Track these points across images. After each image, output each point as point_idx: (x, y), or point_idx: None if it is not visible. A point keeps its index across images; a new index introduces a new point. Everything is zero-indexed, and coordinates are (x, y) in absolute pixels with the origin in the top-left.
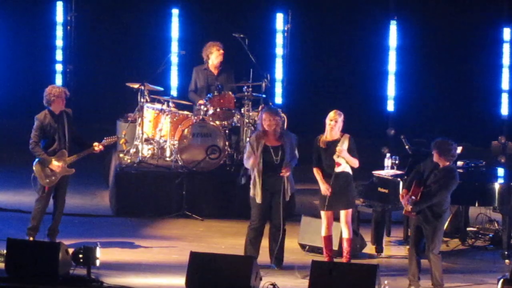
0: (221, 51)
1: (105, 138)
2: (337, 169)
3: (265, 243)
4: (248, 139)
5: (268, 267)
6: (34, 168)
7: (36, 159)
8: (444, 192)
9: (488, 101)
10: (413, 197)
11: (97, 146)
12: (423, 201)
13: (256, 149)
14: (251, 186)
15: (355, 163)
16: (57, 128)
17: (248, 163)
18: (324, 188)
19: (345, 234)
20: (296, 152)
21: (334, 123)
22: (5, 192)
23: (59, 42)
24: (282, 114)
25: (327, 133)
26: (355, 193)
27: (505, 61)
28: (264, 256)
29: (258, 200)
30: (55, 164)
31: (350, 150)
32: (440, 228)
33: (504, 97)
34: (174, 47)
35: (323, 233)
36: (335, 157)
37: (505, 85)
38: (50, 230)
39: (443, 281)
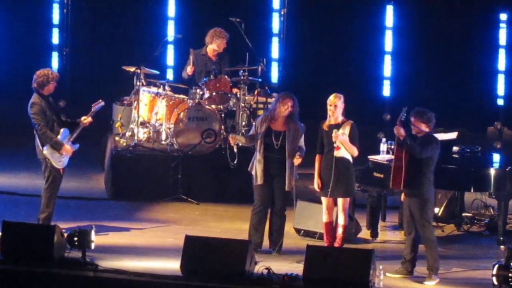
0: (222, 43)
1: (92, 105)
2: (337, 154)
3: (266, 228)
4: (254, 121)
5: (267, 252)
6: (45, 152)
7: (47, 144)
8: (425, 151)
9: (485, 87)
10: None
11: (86, 119)
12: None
13: (259, 130)
14: (251, 167)
15: (354, 151)
16: (51, 109)
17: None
18: (316, 184)
19: (341, 221)
20: (303, 143)
21: (333, 108)
22: (1, 174)
23: (55, 26)
24: None
25: (329, 117)
26: (355, 181)
27: (502, 42)
28: (266, 241)
29: (259, 182)
30: (67, 147)
31: (351, 137)
32: (427, 210)
33: (500, 90)
34: (171, 30)
35: (324, 219)
36: (334, 139)
37: (501, 86)
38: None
39: (438, 264)
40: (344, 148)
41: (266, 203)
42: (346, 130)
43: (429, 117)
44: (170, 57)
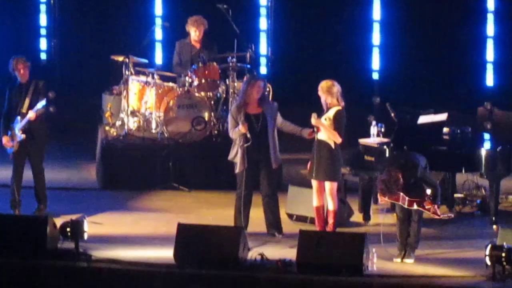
0: (198, 29)
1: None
2: (318, 136)
3: (258, 214)
4: (229, 110)
5: (266, 235)
6: None
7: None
8: (429, 178)
9: (474, 71)
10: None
11: (30, 113)
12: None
13: (238, 119)
14: (234, 155)
15: (335, 137)
16: (20, 96)
17: (235, 132)
18: (309, 165)
19: (330, 206)
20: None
21: (320, 94)
22: None
23: (43, 17)
24: (268, 84)
25: None
26: (341, 165)
27: (490, 31)
28: (254, 225)
29: (241, 168)
30: (3, 139)
31: (334, 123)
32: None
33: (489, 67)
34: (158, 19)
35: (314, 203)
36: (312, 122)
37: (489, 56)
38: (36, 197)
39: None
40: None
41: (250, 188)
42: (330, 114)
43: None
44: (158, 46)
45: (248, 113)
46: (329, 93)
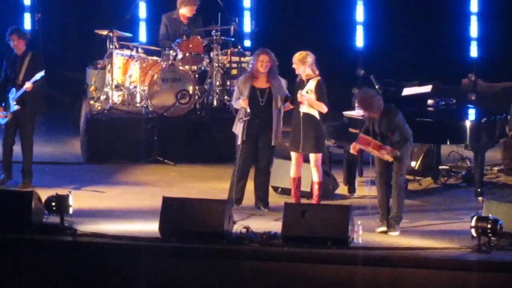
0: (193, 8)
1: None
2: (302, 108)
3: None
4: (236, 81)
5: (252, 208)
6: None
7: None
8: (404, 129)
9: (457, 44)
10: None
11: (27, 84)
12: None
13: (243, 90)
14: (236, 127)
15: (322, 108)
16: (15, 68)
17: (237, 104)
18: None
19: (315, 178)
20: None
21: (296, 66)
22: None
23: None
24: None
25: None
26: (324, 137)
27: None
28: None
29: (239, 141)
30: None
31: (317, 94)
32: (406, 153)
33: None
34: None
35: (292, 174)
36: (298, 99)
37: (473, 30)
38: (22, 171)
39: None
40: (311, 106)
41: (249, 161)
42: (311, 86)
43: (370, 105)
44: (142, 20)
45: (255, 86)
46: (303, 63)
